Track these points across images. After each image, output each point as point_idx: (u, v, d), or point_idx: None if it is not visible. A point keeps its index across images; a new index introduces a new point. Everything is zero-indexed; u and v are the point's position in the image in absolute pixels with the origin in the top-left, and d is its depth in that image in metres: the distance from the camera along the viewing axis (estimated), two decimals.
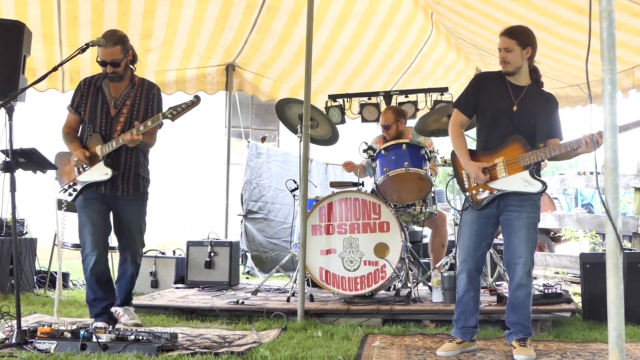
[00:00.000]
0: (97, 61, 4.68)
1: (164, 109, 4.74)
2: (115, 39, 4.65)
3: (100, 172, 4.71)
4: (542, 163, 4.25)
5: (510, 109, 4.06)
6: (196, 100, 4.64)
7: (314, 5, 5.37)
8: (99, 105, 4.78)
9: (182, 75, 8.27)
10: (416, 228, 7.42)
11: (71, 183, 4.79)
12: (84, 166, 4.72)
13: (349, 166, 6.63)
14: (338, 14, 7.34)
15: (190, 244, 7.01)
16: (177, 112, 4.59)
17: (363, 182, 6.51)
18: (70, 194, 4.80)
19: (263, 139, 9.77)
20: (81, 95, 4.84)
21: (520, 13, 5.85)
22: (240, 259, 8.05)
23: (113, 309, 4.91)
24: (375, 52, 8.09)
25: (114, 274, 5.14)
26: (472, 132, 4.52)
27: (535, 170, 4.04)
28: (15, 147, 4.07)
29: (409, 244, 5.86)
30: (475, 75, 4.40)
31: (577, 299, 5.70)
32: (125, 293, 5.05)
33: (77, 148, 4.74)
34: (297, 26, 7.47)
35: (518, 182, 4.01)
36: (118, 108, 4.77)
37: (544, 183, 4.00)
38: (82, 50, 4.37)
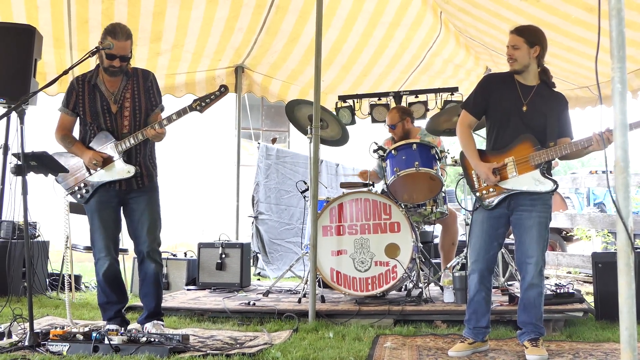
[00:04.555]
0: (105, 53, 4.45)
1: (161, 108, 4.72)
2: (127, 33, 4.50)
3: (121, 170, 4.56)
4: (553, 162, 4.23)
5: (520, 109, 4.05)
6: (224, 90, 4.51)
7: (322, 5, 5.36)
8: (98, 103, 4.60)
9: (192, 78, 8.30)
10: (427, 228, 7.42)
11: (82, 185, 4.65)
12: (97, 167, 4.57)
13: (364, 175, 6.73)
14: (347, 13, 7.35)
15: (201, 245, 7.02)
16: (206, 103, 4.48)
17: (373, 183, 6.52)
18: (81, 196, 4.66)
19: (273, 141, 9.80)
20: (77, 94, 4.65)
21: (530, 12, 5.82)
22: (251, 261, 8.07)
23: (141, 325, 4.70)
24: (385, 51, 8.10)
25: (125, 275, 5.06)
26: (482, 132, 4.51)
27: (546, 169, 4.02)
28: (26, 150, 4.08)
29: (419, 244, 5.85)
30: (484, 77, 4.39)
31: (590, 299, 5.67)
32: (152, 302, 4.72)
33: (83, 150, 4.60)
34: (306, 26, 7.49)
35: (529, 181, 4.00)
36: (119, 103, 4.60)
37: (555, 182, 3.98)
38: (93, 53, 4.35)
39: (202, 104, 4.50)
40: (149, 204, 4.71)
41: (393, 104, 7.66)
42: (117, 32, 4.46)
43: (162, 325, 4.73)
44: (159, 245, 4.78)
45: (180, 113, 4.48)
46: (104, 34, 4.50)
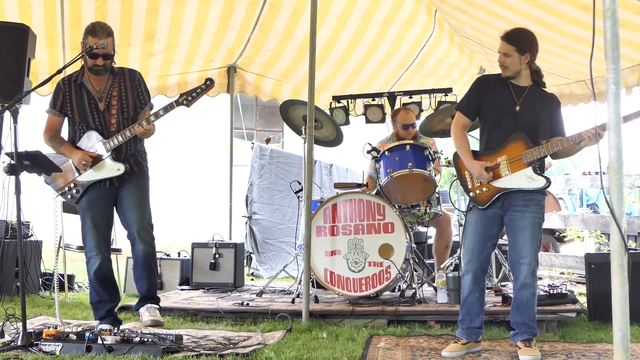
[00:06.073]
0: (88, 52, 4.43)
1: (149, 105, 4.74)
2: (108, 30, 4.51)
3: (111, 169, 4.58)
4: (546, 163, 4.24)
5: (513, 109, 4.06)
6: (210, 84, 4.54)
7: (317, 2, 5.34)
8: (86, 102, 4.62)
9: (184, 79, 8.28)
10: (421, 229, 7.42)
11: (71, 185, 4.66)
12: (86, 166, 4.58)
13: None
14: (340, 11, 7.33)
15: (195, 245, 7.01)
16: (192, 97, 4.50)
17: (367, 184, 6.51)
18: (72, 197, 4.67)
19: (267, 141, 9.81)
20: (63, 95, 4.67)
21: (526, 11, 5.84)
22: (245, 261, 8.05)
23: (136, 311, 4.75)
24: (377, 49, 8.08)
25: (118, 275, 5.05)
26: (476, 133, 4.52)
27: (538, 167, 4.03)
28: (20, 149, 4.07)
29: (413, 245, 5.85)
30: (478, 78, 4.41)
31: (583, 299, 5.68)
32: (144, 285, 4.79)
33: (72, 150, 4.62)
34: (299, 23, 7.46)
35: (522, 179, 4.01)
36: (107, 101, 4.62)
37: (547, 179, 4.00)
38: (87, 53, 4.36)
39: (189, 98, 4.53)
40: (137, 187, 4.75)
41: (387, 104, 7.66)
42: (97, 31, 4.47)
43: (157, 308, 4.73)
44: (151, 226, 4.77)
45: (167, 108, 4.51)
46: (84, 34, 4.52)
